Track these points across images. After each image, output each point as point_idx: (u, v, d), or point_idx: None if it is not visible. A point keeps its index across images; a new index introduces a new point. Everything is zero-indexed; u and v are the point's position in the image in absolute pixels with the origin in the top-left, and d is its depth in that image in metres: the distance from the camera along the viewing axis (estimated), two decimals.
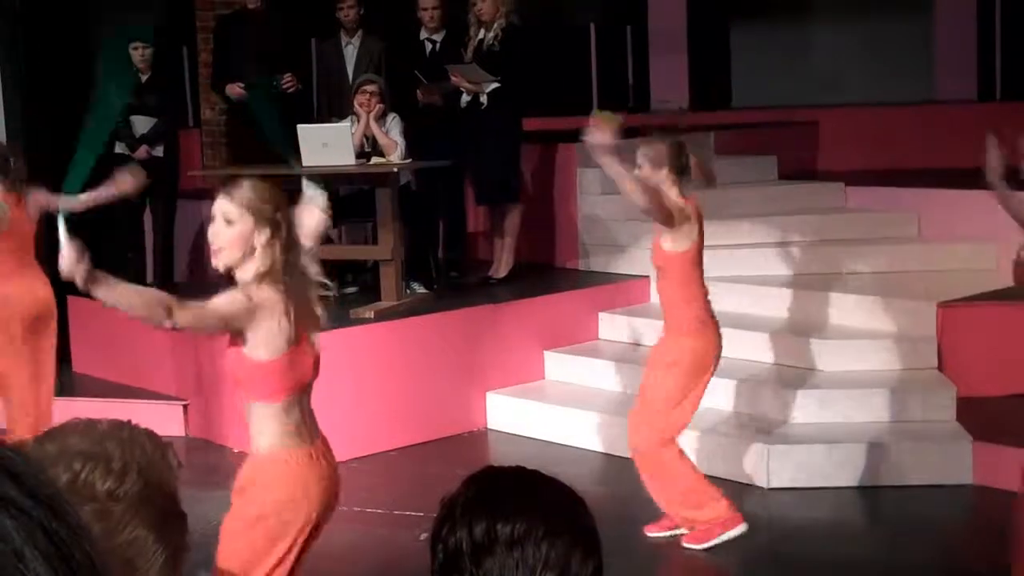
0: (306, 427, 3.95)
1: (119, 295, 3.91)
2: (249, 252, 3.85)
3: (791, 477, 6.73)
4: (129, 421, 1.75)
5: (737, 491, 6.71)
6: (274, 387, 3.87)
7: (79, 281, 3.92)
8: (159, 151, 9.50)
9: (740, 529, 5.97)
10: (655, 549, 6.03)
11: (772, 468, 6.73)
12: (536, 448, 7.56)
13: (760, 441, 6.87)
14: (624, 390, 7.91)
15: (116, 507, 1.59)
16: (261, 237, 3.84)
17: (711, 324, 5.95)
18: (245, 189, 3.90)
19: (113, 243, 9.43)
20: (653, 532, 6.14)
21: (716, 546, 5.94)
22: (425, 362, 7.91)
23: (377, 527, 6.37)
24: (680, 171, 5.94)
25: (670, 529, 6.12)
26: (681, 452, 6.04)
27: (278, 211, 3.91)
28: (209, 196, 11.19)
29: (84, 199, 6.94)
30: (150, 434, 1.74)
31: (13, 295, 6.72)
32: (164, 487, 1.67)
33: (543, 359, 8.40)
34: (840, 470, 6.74)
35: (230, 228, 3.85)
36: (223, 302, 3.84)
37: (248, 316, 3.80)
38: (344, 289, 8.82)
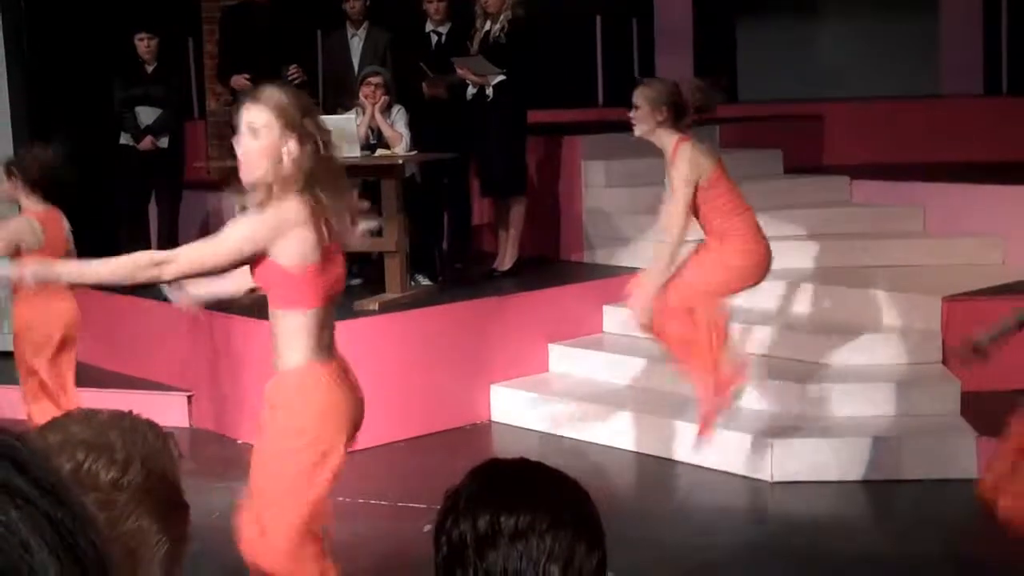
0: (332, 342, 3.91)
1: (95, 272, 3.82)
2: (277, 162, 3.70)
3: (795, 471, 6.72)
4: (130, 411, 1.75)
5: (742, 485, 6.72)
6: (307, 294, 3.79)
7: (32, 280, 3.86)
8: (164, 142, 9.51)
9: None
10: (660, 542, 6.03)
11: (776, 462, 6.72)
12: (540, 441, 7.56)
13: (764, 435, 6.87)
14: (628, 383, 7.92)
15: (119, 497, 1.59)
16: (290, 145, 3.70)
17: (760, 238, 6.16)
18: (271, 92, 3.76)
19: (118, 234, 9.45)
20: (701, 437, 6.42)
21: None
22: (429, 354, 7.91)
23: (381, 519, 6.37)
24: (677, 112, 6.09)
25: (711, 420, 6.39)
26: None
27: (307, 117, 3.78)
28: (214, 188, 11.22)
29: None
30: (151, 424, 1.74)
31: (49, 313, 6.69)
32: (167, 477, 1.67)
33: (547, 352, 8.39)
34: (844, 464, 6.74)
35: (256, 139, 3.70)
36: (238, 231, 3.72)
37: (276, 232, 3.69)
38: (349, 281, 8.80)
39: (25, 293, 6.69)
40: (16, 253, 6.43)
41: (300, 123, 3.72)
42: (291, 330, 3.81)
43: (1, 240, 6.47)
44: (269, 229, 3.69)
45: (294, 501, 3.85)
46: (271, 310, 3.85)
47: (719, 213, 6.14)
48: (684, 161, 6.10)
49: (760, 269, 6.25)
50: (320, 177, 3.75)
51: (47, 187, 6.57)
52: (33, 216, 6.52)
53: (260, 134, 3.69)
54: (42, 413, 6.67)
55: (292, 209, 3.70)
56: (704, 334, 6.22)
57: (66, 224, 6.70)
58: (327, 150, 3.78)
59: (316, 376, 3.85)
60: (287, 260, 3.72)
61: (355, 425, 3.96)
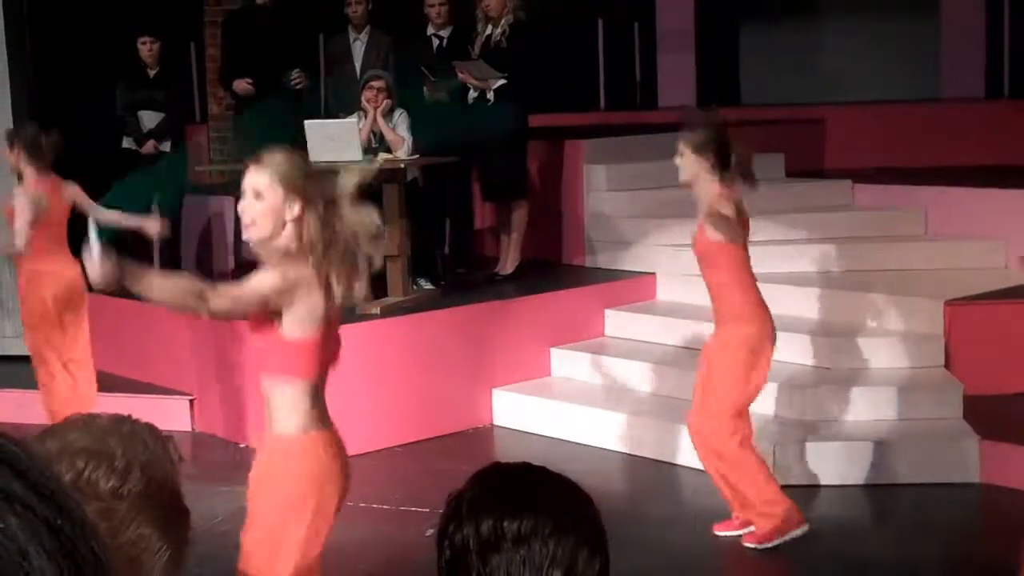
0: (326, 411, 3.93)
1: (155, 289, 3.80)
2: (280, 226, 3.77)
3: (797, 475, 6.72)
4: (129, 416, 1.75)
5: None
6: (307, 365, 3.82)
7: (112, 285, 3.86)
8: (166, 146, 9.51)
9: (803, 529, 5.92)
10: (662, 547, 6.02)
11: (779, 466, 6.71)
12: (542, 445, 7.56)
13: (767, 439, 6.86)
14: (630, 386, 7.91)
15: (120, 505, 1.59)
16: (292, 210, 3.76)
17: (763, 308, 5.90)
18: (275, 159, 3.83)
19: (120, 238, 9.44)
20: (722, 531, 6.07)
21: (778, 546, 5.89)
22: (431, 358, 7.91)
23: (383, 523, 6.37)
24: (724, 161, 5.80)
25: (739, 528, 6.04)
26: (746, 443, 5.95)
27: (309, 182, 3.83)
28: (216, 191, 11.24)
29: (116, 217, 6.93)
30: (151, 428, 1.74)
31: (46, 273, 6.84)
32: (167, 484, 1.67)
33: (549, 356, 8.39)
34: (847, 468, 6.73)
35: (260, 201, 3.77)
36: (262, 282, 3.76)
37: (287, 295, 3.73)
38: None
39: (22, 262, 6.82)
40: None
41: (302, 187, 3.78)
42: (289, 398, 3.84)
43: (24, 214, 6.65)
44: (288, 288, 3.73)
45: (285, 566, 3.88)
46: (266, 375, 3.86)
47: (743, 289, 5.89)
48: (732, 201, 5.88)
49: (771, 347, 5.94)
50: (326, 243, 3.79)
51: (46, 156, 6.77)
52: (34, 185, 6.70)
53: (264, 197, 3.77)
54: (60, 405, 6.74)
55: (305, 274, 3.75)
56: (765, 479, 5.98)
57: (67, 189, 6.87)
58: (329, 214, 3.82)
59: (316, 444, 3.87)
60: (291, 329, 3.76)
61: (345, 492, 3.99)
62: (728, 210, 5.79)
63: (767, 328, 5.85)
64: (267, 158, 3.82)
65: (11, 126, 9.28)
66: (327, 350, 3.87)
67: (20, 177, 6.91)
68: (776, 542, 5.88)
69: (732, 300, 5.86)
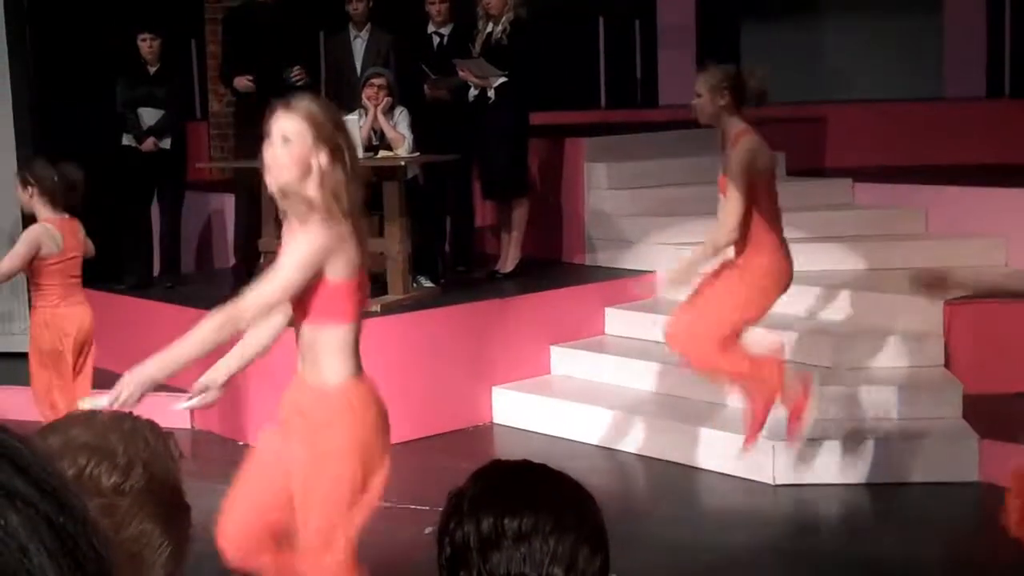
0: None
1: (184, 356, 3.84)
2: (305, 174, 3.71)
3: (797, 474, 6.71)
4: (130, 413, 1.75)
5: (744, 488, 6.72)
6: (348, 307, 3.83)
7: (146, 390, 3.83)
8: (167, 143, 9.50)
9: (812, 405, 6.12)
10: (663, 545, 6.02)
11: (778, 465, 6.71)
12: (542, 443, 7.55)
13: (766, 438, 6.86)
14: (630, 385, 7.91)
15: (122, 502, 1.59)
16: (320, 157, 3.71)
17: (785, 248, 6.05)
18: (306, 105, 3.77)
19: (120, 235, 9.44)
20: (749, 446, 6.28)
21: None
22: (431, 356, 7.90)
23: (382, 520, 6.34)
24: (740, 97, 6.04)
25: (758, 431, 6.23)
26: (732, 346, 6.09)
27: (339, 131, 3.79)
28: (216, 188, 11.22)
29: None
30: (151, 425, 1.74)
31: (64, 315, 6.78)
32: (168, 480, 1.67)
33: (549, 354, 8.39)
34: (846, 467, 6.73)
35: (287, 146, 3.71)
36: (304, 252, 3.72)
37: (327, 254, 3.72)
38: None
39: (36, 302, 6.76)
40: (32, 261, 6.52)
41: (332, 136, 3.74)
42: (334, 345, 3.82)
43: (22, 246, 6.54)
44: (325, 249, 3.71)
45: (346, 521, 3.86)
46: (307, 325, 3.82)
47: (757, 222, 5.98)
48: (745, 150, 5.95)
49: (781, 288, 6.13)
50: (353, 194, 3.79)
51: (62, 197, 6.69)
52: (50, 223, 6.62)
53: (292, 142, 3.71)
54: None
55: (341, 226, 3.73)
56: (751, 363, 6.11)
57: (82, 232, 6.80)
58: (355, 166, 3.81)
59: (362, 392, 3.87)
60: (335, 274, 3.75)
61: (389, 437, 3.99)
62: (752, 143, 5.95)
63: (785, 267, 5.92)
64: (298, 103, 3.77)
65: (11, 124, 9.29)
66: (363, 293, 3.93)
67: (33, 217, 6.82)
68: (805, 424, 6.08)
69: (755, 232, 5.87)
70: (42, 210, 6.65)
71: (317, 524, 3.89)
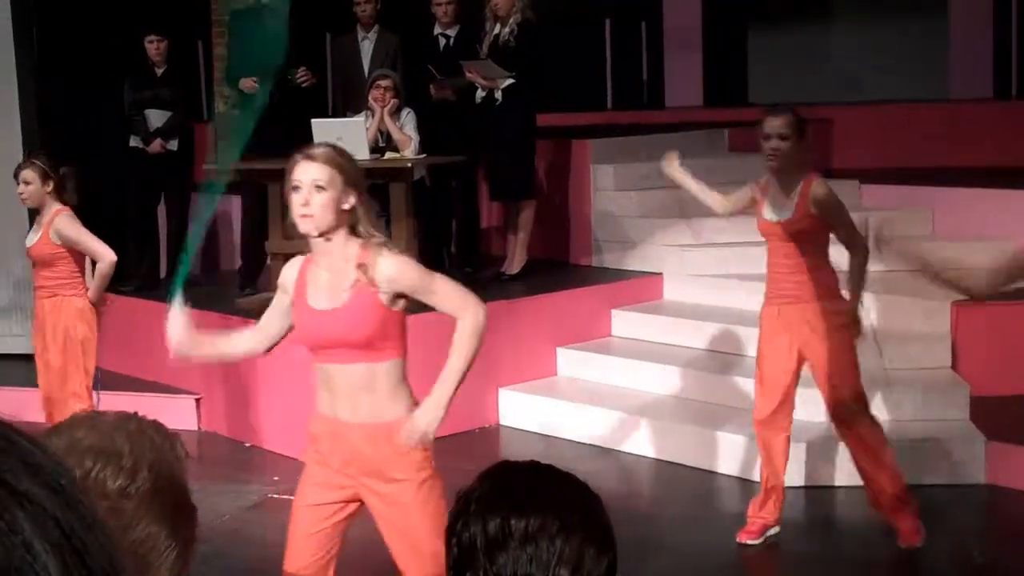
0: None
1: (460, 377, 4.18)
2: (340, 216, 3.88)
3: (803, 475, 6.71)
4: (135, 413, 1.75)
5: (749, 489, 6.71)
6: (404, 339, 4.11)
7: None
8: (173, 145, 9.51)
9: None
10: (666, 546, 6.02)
11: (787, 466, 6.69)
12: (548, 444, 7.55)
13: None
14: (636, 387, 7.91)
15: (128, 504, 1.59)
16: (350, 199, 3.89)
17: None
18: (329, 150, 3.95)
19: (127, 236, 9.45)
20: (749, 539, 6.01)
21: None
22: (437, 357, 7.88)
23: None
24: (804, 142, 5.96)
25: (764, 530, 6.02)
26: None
27: (359, 172, 4.00)
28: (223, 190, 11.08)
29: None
30: (157, 426, 1.74)
31: (78, 307, 6.82)
32: (174, 482, 1.66)
33: (556, 355, 8.39)
34: (854, 470, 6.71)
35: (321, 193, 3.85)
36: (445, 280, 4.20)
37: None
38: None
39: (46, 293, 6.81)
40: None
41: (355, 177, 3.95)
42: (397, 380, 4.03)
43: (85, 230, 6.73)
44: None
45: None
46: (371, 364, 3.95)
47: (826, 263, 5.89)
48: (829, 188, 5.87)
49: None
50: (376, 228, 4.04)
51: (66, 192, 6.77)
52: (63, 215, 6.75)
53: (325, 188, 3.86)
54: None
55: None
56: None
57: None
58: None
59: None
60: (396, 305, 4.05)
61: None
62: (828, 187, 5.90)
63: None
64: (319, 151, 3.93)
65: (19, 125, 9.30)
66: None
67: (36, 210, 6.86)
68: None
69: (826, 278, 5.80)
70: (53, 203, 6.72)
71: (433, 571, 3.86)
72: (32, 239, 6.81)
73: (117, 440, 1.64)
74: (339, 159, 3.92)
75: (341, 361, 3.92)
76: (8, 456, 0.86)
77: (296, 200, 3.88)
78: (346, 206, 3.88)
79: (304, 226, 3.88)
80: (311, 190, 3.85)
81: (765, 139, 5.82)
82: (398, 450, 3.90)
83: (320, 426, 4.01)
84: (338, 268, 3.93)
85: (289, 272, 4.09)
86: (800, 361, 5.84)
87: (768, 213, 5.88)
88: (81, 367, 6.79)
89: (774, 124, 5.81)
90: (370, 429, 3.92)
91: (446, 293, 4.16)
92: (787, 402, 5.89)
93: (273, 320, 4.14)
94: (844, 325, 5.69)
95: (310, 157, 3.89)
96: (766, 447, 5.93)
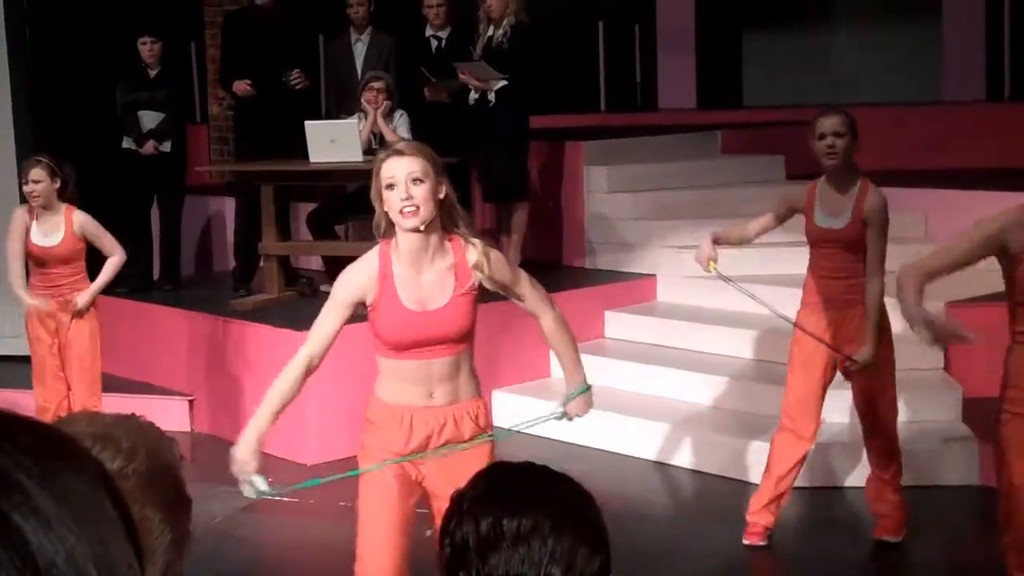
0: None
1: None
2: (437, 206, 3.94)
3: (799, 477, 6.70)
4: (133, 414, 1.77)
5: (743, 490, 6.71)
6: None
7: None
8: (167, 146, 9.50)
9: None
10: (660, 547, 6.02)
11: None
12: (542, 446, 7.54)
13: (766, 440, 6.86)
14: (630, 389, 7.91)
15: (125, 484, 1.60)
16: (443, 188, 3.96)
17: None
18: (416, 145, 4.02)
19: (120, 238, 9.44)
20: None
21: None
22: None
23: None
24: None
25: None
26: None
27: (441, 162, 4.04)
28: (216, 191, 11.18)
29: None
30: (154, 426, 1.76)
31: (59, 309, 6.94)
32: (170, 470, 1.69)
33: (549, 357, 8.38)
34: (846, 470, 6.73)
35: (420, 185, 3.89)
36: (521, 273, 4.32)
37: None
38: None
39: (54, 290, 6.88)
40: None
41: (442, 167, 4.03)
42: (472, 364, 4.19)
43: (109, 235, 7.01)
44: None
45: None
46: (462, 351, 4.10)
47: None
48: (883, 200, 5.79)
49: None
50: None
51: (68, 189, 6.92)
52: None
53: (423, 180, 3.91)
54: None
55: None
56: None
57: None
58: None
59: None
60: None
61: None
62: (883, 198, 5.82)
63: None
64: (407, 145, 4.03)
65: (11, 126, 9.29)
66: None
67: (37, 210, 6.89)
68: None
69: (860, 284, 5.77)
70: (56, 202, 6.81)
71: None
72: (51, 239, 6.86)
73: (115, 431, 1.66)
74: (427, 149, 3.99)
75: (436, 356, 4.04)
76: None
77: (395, 196, 3.89)
78: (440, 197, 3.94)
79: (409, 222, 3.89)
80: (407, 183, 3.88)
81: (820, 139, 5.76)
82: (478, 425, 4.17)
83: (399, 415, 4.07)
84: (435, 264, 4.01)
85: (360, 279, 4.05)
86: (835, 369, 5.84)
87: (820, 219, 5.81)
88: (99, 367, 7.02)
89: (829, 123, 5.76)
90: (456, 409, 4.09)
91: (529, 289, 4.35)
92: (819, 410, 5.86)
93: (328, 335, 4.11)
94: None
95: (399, 152, 3.95)
96: (787, 453, 5.88)
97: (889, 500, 5.89)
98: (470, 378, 4.15)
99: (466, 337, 4.08)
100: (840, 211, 5.74)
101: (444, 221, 3.99)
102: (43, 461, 0.86)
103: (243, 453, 4.04)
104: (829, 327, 5.79)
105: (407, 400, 4.04)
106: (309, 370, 4.11)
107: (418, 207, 3.87)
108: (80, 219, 6.89)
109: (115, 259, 7.03)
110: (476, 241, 4.04)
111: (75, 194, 6.93)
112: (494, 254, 4.09)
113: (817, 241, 5.86)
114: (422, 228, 3.91)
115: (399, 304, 3.97)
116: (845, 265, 5.76)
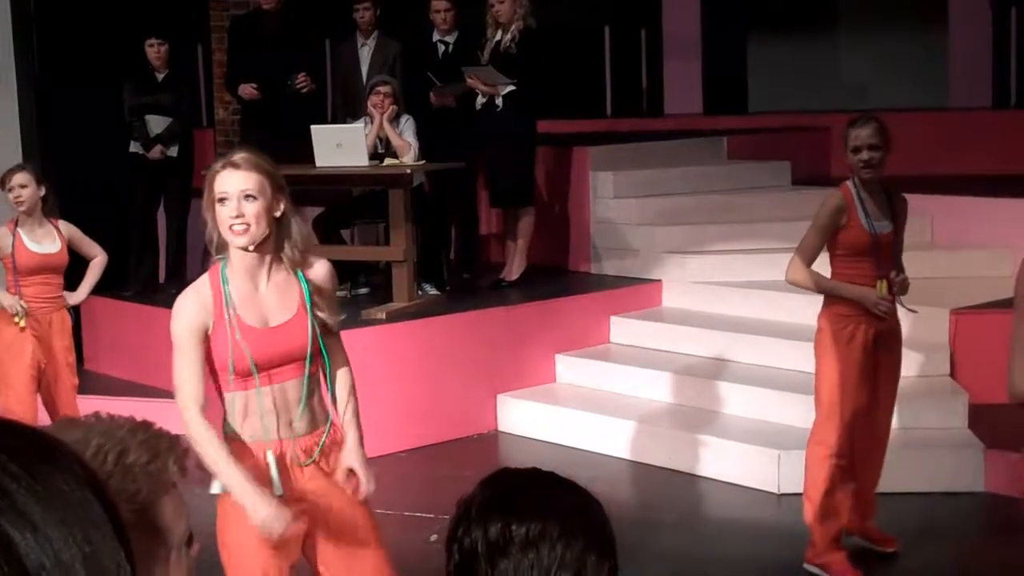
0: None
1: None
2: (271, 224, 3.69)
3: (802, 483, 6.69)
4: (151, 424, 1.73)
5: (748, 496, 6.71)
6: None
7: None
8: (174, 151, 9.50)
9: None
10: (664, 553, 6.02)
11: (783, 473, 6.71)
12: (546, 451, 7.55)
13: (772, 446, 6.86)
14: (635, 394, 7.91)
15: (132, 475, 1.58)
16: (281, 205, 3.73)
17: None
18: (253, 158, 3.72)
19: (127, 242, 9.45)
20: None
21: None
22: (436, 364, 7.90)
23: (387, 528, 6.33)
24: None
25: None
26: None
27: (282, 178, 3.80)
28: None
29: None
30: (156, 438, 1.71)
31: (66, 321, 6.92)
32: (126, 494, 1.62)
33: (554, 362, 8.39)
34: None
35: (254, 202, 3.65)
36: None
37: None
38: (356, 290, 8.83)
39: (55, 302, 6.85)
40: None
41: (282, 183, 3.80)
42: (321, 390, 4.02)
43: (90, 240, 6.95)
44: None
45: None
46: (314, 372, 3.90)
47: None
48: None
49: None
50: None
51: (48, 202, 6.87)
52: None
53: (256, 197, 3.68)
54: None
55: None
56: None
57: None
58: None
59: None
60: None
61: None
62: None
63: None
64: (244, 159, 3.70)
65: (18, 130, 9.29)
66: None
67: (21, 217, 6.83)
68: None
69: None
70: (39, 212, 6.75)
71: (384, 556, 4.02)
72: (48, 247, 6.78)
73: (121, 433, 1.64)
74: (265, 163, 3.73)
75: (287, 378, 3.78)
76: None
77: (225, 212, 3.64)
78: (277, 214, 3.70)
79: (238, 240, 3.66)
80: (238, 199, 3.64)
81: (855, 152, 5.59)
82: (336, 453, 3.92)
83: (255, 455, 3.79)
84: (272, 279, 3.77)
85: (193, 307, 3.73)
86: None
87: (866, 223, 5.68)
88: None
89: (864, 135, 5.59)
90: (317, 436, 3.85)
91: (337, 329, 3.94)
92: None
93: (200, 376, 3.82)
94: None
95: (234, 165, 3.67)
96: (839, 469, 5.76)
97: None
98: (322, 401, 3.90)
99: (315, 356, 3.79)
100: (883, 215, 5.72)
101: (278, 240, 3.73)
102: (28, 464, 0.87)
103: (266, 508, 3.62)
104: (864, 333, 5.73)
105: (264, 436, 3.78)
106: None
107: (248, 225, 3.63)
108: (67, 228, 6.85)
109: (100, 259, 6.97)
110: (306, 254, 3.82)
111: (54, 208, 6.87)
112: (321, 265, 3.89)
113: (868, 248, 5.68)
114: (250, 248, 3.67)
115: (240, 322, 3.69)
116: (882, 272, 5.69)
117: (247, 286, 3.74)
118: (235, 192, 3.64)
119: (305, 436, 3.82)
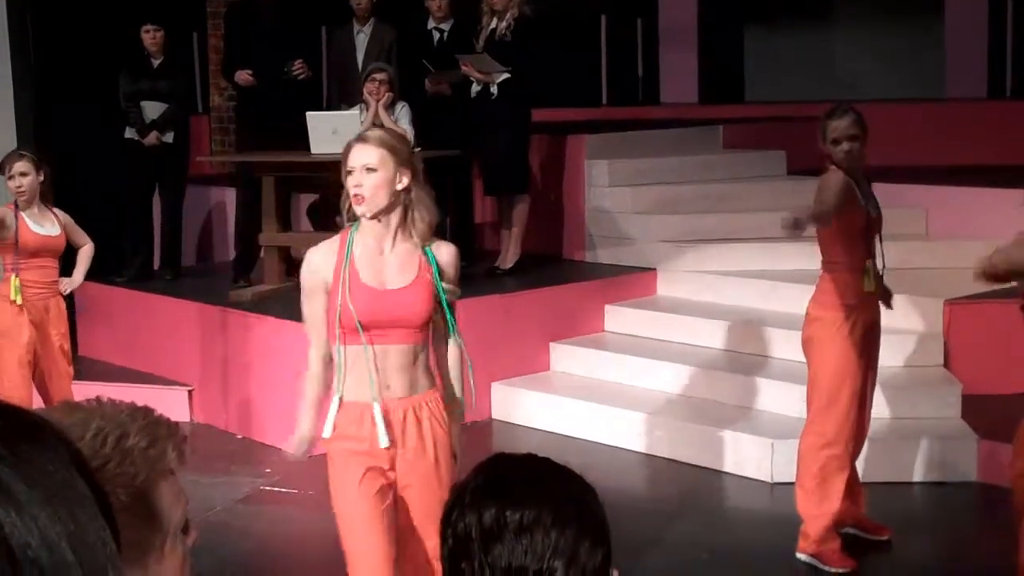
0: None
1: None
2: (394, 198, 3.94)
3: (796, 472, 6.71)
4: (151, 410, 1.72)
5: (742, 486, 6.72)
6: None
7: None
8: (169, 137, 9.49)
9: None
10: (658, 541, 6.03)
11: (776, 463, 6.72)
12: (541, 439, 7.56)
13: (765, 435, 6.87)
14: (629, 382, 7.92)
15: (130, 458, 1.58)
16: (405, 179, 3.95)
17: None
18: (381, 134, 4.03)
19: (122, 228, 9.45)
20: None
21: None
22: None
23: None
24: None
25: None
26: None
27: (414, 156, 4.03)
28: (218, 182, 11.18)
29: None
30: (156, 424, 1.70)
31: (62, 307, 6.93)
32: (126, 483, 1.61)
33: (549, 350, 8.39)
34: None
35: (372, 174, 3.91)
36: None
37: None
38: None
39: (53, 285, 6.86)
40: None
41: (409, 159, 4.04)
42: (428, 357, 4.19)
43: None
44: None
45: None
46: (420, 341, 4.12)
47: None
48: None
49: None
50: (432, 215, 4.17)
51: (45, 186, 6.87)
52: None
53: (376, 171, 3.94)
54: None
55: None
56: None
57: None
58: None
59: None
60: None
61: None
62: None
63: None
64: (372, 134, 4.02)
65: (13, 117, 9.28)
66: None
67: (21, 203, 6.81)
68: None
69: None
70: (38, 199, 6.74)
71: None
72: (49, 229, 6.78)
73: (123, 417, 1.63)
74: (391, 139, 4.01)
75: (393, 342, 3.99)
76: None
77: (349, 182, 3.94)
78: (400, 187, 3.94)
79: (356, 209, 3.94)
80: (361, 171, 3.91)
81: (835, 143, 5.52)
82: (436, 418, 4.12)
83: (360, 410, 4.00)
84: (397, 247, 4.01)
85: (318, 259, 4.03)
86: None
87: (868, 207, 5.65)
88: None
89: (843, 126, 5.52)
90: (415, 401, 4.04)
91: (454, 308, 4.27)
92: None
93: (323, 323, 4.03)
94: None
95: (362, 140, 3.98)
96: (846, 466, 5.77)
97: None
98: (426, 371, 4.10)
99: (423, 326, 4.05)
100: (872, 200, 5.73)
101: (404, 212, 4.00)
102: (12, 443, 0.87)
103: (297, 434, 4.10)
104: (864, 322, 5.73)
105: (364, 396, 3.98)
106: (327, 363, 4.07)
107: (367, 196, 3.91)
108: (62, 214, 6.88)
109: (89, 247, 6.99)
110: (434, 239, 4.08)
111: (50, 193, 6.87)
112: (446, 247, 4.15)
113: (866, 230, 5.65)
114: (368, 216, 3.94)
115: (357, 281, 3.95)
116: (871, 254, 5.70)
117: (372, 250, 3.99)
118: (358, 165, 3.93)
119: (403, 399, 4.02)
